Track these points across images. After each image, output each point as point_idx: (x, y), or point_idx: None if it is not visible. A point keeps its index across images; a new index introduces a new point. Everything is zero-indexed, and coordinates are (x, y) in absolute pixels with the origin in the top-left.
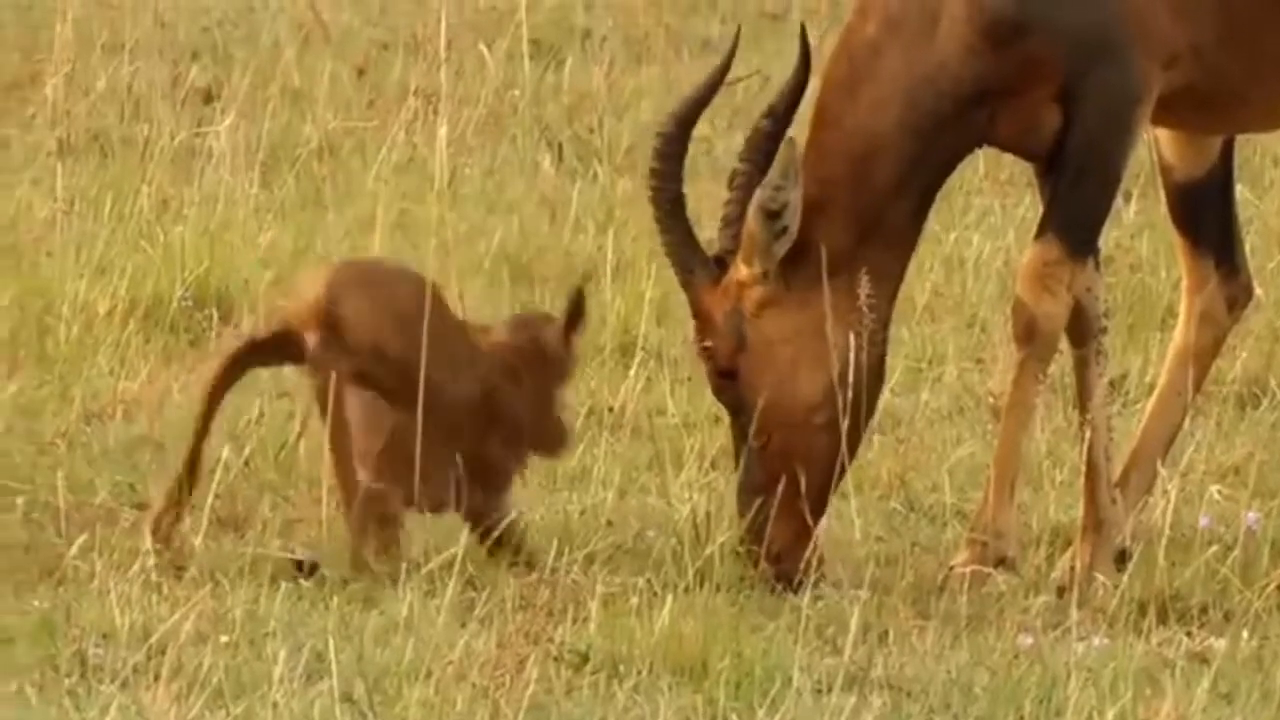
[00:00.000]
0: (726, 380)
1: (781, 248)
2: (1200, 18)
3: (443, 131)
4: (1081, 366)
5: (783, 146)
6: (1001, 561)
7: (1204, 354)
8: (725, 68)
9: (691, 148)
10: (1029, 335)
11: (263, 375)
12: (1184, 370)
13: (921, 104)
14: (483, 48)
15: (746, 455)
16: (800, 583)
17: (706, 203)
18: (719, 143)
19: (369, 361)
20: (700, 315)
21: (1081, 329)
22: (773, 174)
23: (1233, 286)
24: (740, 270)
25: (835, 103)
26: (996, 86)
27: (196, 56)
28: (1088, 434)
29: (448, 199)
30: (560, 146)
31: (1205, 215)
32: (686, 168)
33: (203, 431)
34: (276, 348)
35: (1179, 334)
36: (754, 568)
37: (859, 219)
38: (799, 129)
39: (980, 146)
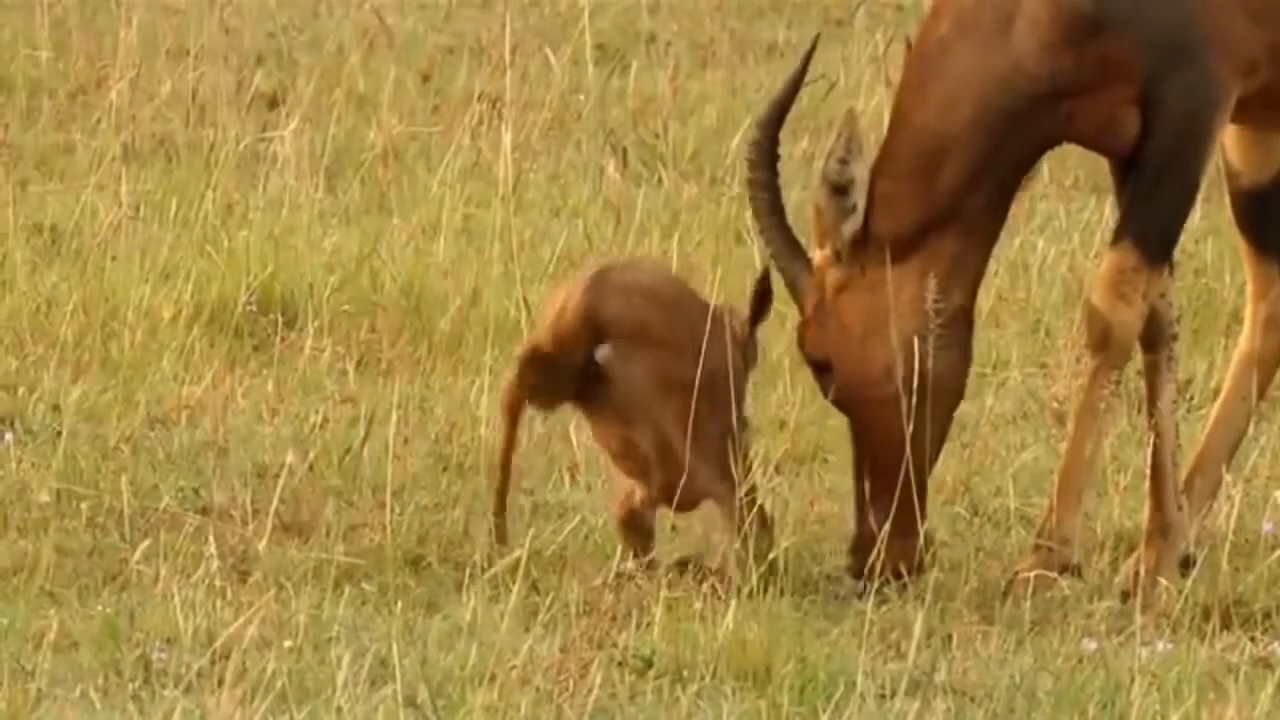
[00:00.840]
0: (826, 376)
1: (850, 227)
2: (1278, 20)
3: (507, 136)
4: (1153, 372)
5: (843, 119)
6: (1066, 568)
7: (1269, 360)
8: (804, 69)
9: None
10: (1103, 343)
11: (324, 378)
12: (1249, 377)
13: (995, 101)
14: (548, 52)
15: (854, 451)
16: (864, 587)
17: None
18: (784, 148)
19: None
20: (804, 318)
21: (1155, 335)
22: (836, 148)
23: None
24: (817, 254)
25: (909, 100)
26: (1073, 85)
27: (261, 61)
28: (1155, 439)
29: (512, 204)
30: (625, 151)
31: (1271, 221)
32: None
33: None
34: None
35: (1244, 341)
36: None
37: (932, 211)
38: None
39: (1060, 143)
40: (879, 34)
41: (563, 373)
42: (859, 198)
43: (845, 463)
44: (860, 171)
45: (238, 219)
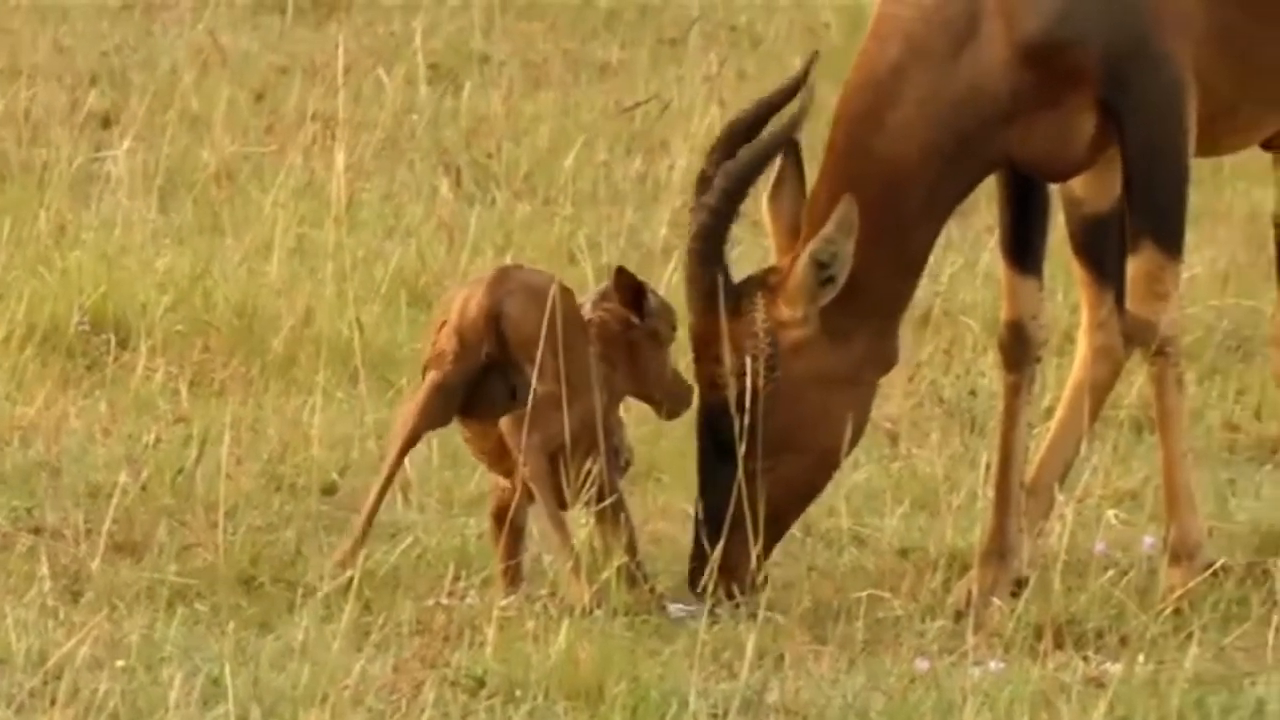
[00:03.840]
0: (722, 405)
1: (825, 296)
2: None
3: (340, 156)
4: (1013, 393)
5: (841, 203)
6: (1208, 568)
7: (1100, 389)
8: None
9: (590, 172)
10: (1160, 346)
11: (157, 398)
12: (1081, 404)
13: (952, 125)
14: (380, 72)
15: (724, 477)
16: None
17: (606, 226)
18: (618, 168)
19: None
20: (716, 341)
21: (1020, 355)
22: (829, 227)
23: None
24: (781, 311)
25: (860, 131)
26: (1031, 101)
27: (95, 81)
28: (1003, 461)
29: (345, 223)
30: (458, 171)
31: (1109, 249)
32: (584, 194)
33: (390, 480)
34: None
35: (1077, 369)
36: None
37: (887, 247)
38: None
39: (999, 168)
40: (712, 54)
41: (459, 381)
42: (839, 272)
43: (679, 482)
44: (846, 249)
45: (70, 239)
